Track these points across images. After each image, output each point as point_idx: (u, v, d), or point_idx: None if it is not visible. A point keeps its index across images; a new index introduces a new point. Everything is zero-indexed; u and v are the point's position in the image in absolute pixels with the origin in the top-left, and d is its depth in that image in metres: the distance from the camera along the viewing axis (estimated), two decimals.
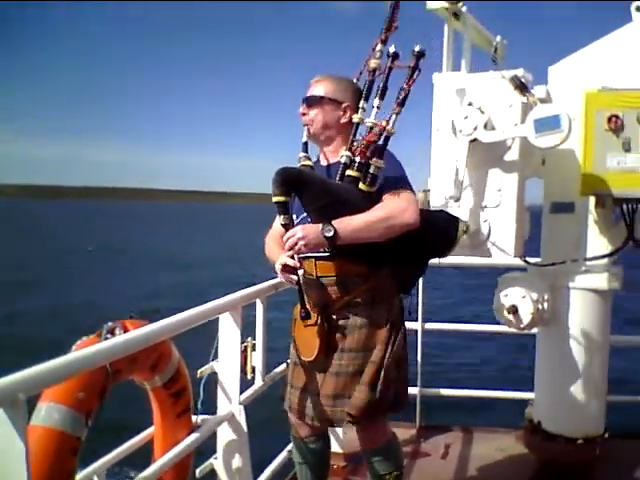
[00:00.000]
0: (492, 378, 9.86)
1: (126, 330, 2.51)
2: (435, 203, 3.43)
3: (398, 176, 2.59)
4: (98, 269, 29.79)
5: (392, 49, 2.64)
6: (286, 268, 2.51)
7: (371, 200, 2.51)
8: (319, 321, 2.59)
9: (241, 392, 2.98)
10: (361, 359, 2.60)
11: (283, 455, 3.55)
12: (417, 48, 2.57)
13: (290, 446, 3.09)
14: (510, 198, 3.34)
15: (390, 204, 2.49)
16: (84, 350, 1.94)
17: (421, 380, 4.54)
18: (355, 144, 2.61)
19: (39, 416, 2.21)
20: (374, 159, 2.51)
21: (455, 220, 2.85)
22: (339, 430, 3.97)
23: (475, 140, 3.25)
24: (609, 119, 3.19)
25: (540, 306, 3.54)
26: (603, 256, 3.51)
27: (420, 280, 4.32)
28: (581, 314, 3.61)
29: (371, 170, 2.51)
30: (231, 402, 2.93)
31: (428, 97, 3.43)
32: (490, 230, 3.38)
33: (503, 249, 3.38)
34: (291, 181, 2.44)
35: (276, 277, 2.73)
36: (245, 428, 2.94)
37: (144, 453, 2.93)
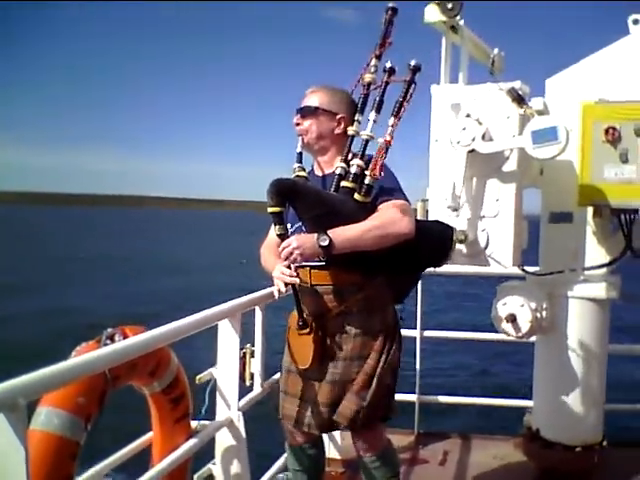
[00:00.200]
0: (490, 386, 9.84)
1: (125, 336, 2.52)
2: (433, 213, 3.45)
3: (393, 186, 2.61)
4: (92, 275, 29.86)
5: (388, 64, 2.68)
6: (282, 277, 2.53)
7: (366, 210, 2.53)
8: (314, 329, 2.61)
9: (240, 398, 2.99)
10: (356, 367, 2.62)
11: (281, 461, 3.56)
12: (413, 62, 2.62)
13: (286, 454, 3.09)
14: (508, 208, 3.35)
15: (385, 214, 2.52)
16: (84, 356, 1.96)
17: (419, 387, 4.55)
18: (351, 156, 2.64)
19: (38, 420, 2.22)
20: (370, 170, 2.54)
21: (450, 230, 2.87)
22: (337, 436, 3.99)
23: (473, 151, 3.27)
24: (606, 131, 3.21)
25: (538, 315, 3.54)
26: (601, 265, 3.52)
27: (419, 288, 4.36)
28: (579, 323, 3.62)
29: (367, 181, 2.53)
30: (230, 408, 2.94)
31: (425, 108, 3.46)
32: (488, 240, 3.39)
33: (501, 258, 3.40)
34: (285, 192, 2.46)
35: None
36: (244, 434, 2.95)
37: (142, 458, 2.95)
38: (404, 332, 4.28)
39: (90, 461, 2.58)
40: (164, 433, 2.95)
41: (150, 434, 3.01)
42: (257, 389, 3.14)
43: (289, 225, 2.60)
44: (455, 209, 3.34)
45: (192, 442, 2.74)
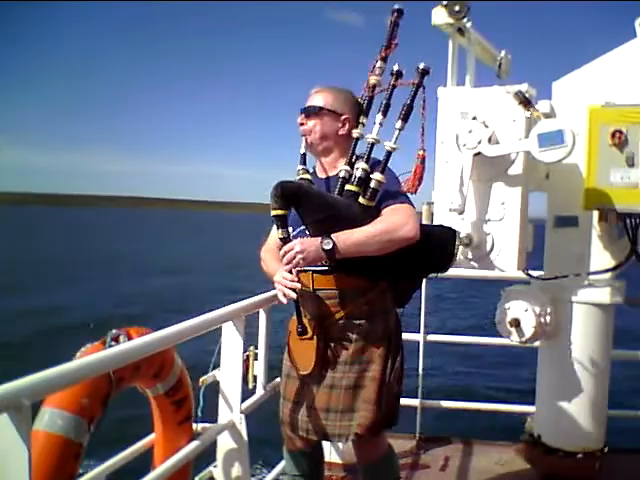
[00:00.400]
0: (493, 391, 9.84)
1: (130, 338, 2.51)
2: (439, 216, 3.45)
3: (397, 190, 2.58)
4: (88, 275, 29.99)
5: (396, 67, 2.65)
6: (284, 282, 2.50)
7: (370, 214, 2.50)
8: (316, 334, 2.58)
9: (242, 401, 2.97)
10: (356, 372, 2.59)
11: (282, 464, 3.55)
12: (422, 65, 2.58)
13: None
14: (514, 211, 3.35)
15: (390, 218, 2.48)
16: (88, 357, 1.94)
17: (422, 391, 4.54)
18: (355, 159, 2.62)
19: (42, 421, 2.21)
20: (375, 174, 2.51)
21: (454, 233, 2.82)
22: None
23: (479, 154, 3.27)
24: (613, 134, 3.21)
25: (542, 319, 3.54)
26: (606, 270, 3.52)
27: (423, 292, 4.35)
28: (583, 328, 3.62)
29: (372, 185, 2.50)
30: (232, 411, 2.92)
31: (431, 110, 3.46)
32: (493, 243, 3.39)
33: (506, 263, 3.39)
34: (290, 195, 2.43)
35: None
36: (245, 437, 2.93)
37: (144, 460, 2.93)
38: (407, 336, 4.29)
39: (92, 462, 2.57)
40: (166, 435, 2.94)
41: (152, 436, 3.00)
42: (260, 392, 3.12)
43: (291, 228, 2.56)
44: (460, 212, 3.34)
45: (194, 445, 2.72)
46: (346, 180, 2.58)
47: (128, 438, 2.94)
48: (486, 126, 3.26)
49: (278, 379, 3.14)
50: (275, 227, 2.63)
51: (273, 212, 2.44)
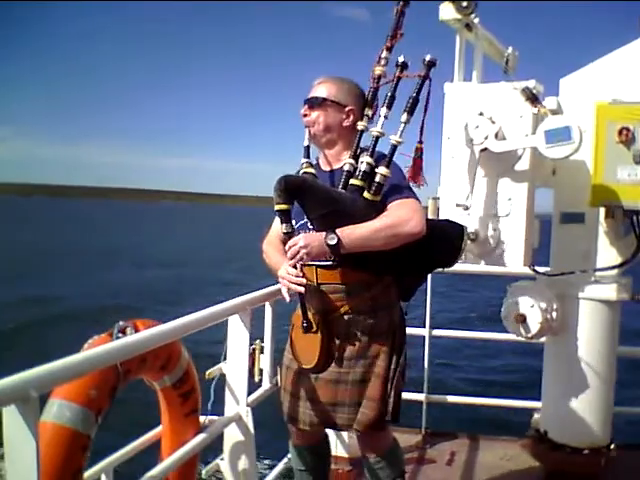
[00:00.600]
0: (499, 386, 9.83)
1: (137, 330, 2.52)
2: (445, 211, 3.45)
3: (403, 185, 2.55)
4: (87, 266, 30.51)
5: (401, 59, 2.61)
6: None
7: (376, 209, 2.47)
8: (320, 329, 2.55)
9: (249, 394, 2.98)
10: (362, 367, 2.58)
11: (289, 457, 3.57)
12: (428, 57, 2.54)
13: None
14: (520, 207, 3.35)
15: (395, 213, 2.45)
16: (96, 349, 1.95)
17: (428, 386, 4.55)
18: (360, 152, 2.59)
19: (50, 413, 2.22)
20: (380, 168, 2.48)
21: (460, 228, 2.78)
22: (344, 434, 3.98)
23: (486, 149, 3.27)
24: (620, 131, 3.20)
25: (549, 315, 3.54)
26: (612, 267, 3.51)
27: (428, 287, 4.36)
28: (589, 324, 3.62)
29: (377, 179, 2.47)
30: (238, 404, 2.93)
31: (437, 105, 3.45)
32: (499, 239, 3.39)
33: (512, 258, 3.39)
34: (294, 189, 2.41)
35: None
36: (252, 430, 2.94)
37: (151, 452, 2.95)
38: (413, 331, 4.30)
39: (100, 454, 2.58)
40: (173, 427, 2.95)
41: (159, 428, 3.01)
42: (266, 385, 3.13)
43: (294, 221, 2.54)
44: (466, 208, 3.34)
45: (201, 437, 2.74)
46: (350, 174, 2.55)
47: (135, 430, 2.96)
48: (493, 122, 3.25)
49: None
50: (278, 220, 2.61)
51: (277, 207, 2.42)
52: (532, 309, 3.53)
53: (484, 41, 3.58)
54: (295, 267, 2.46)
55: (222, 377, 3.00)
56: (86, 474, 2.42)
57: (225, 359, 2.98)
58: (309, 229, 2.55)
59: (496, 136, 3.25)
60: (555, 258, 3.70)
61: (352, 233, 2.38)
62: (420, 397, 4.52)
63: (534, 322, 3.54)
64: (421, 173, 2.66)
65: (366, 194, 2.48)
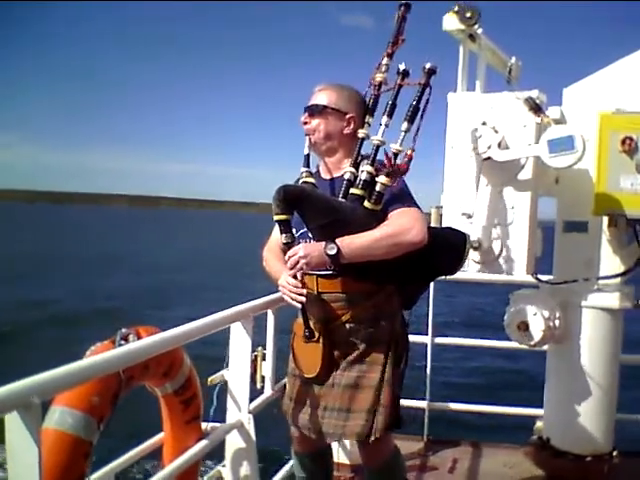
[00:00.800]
0: (501, 393, 9.81)
1: (139, 337, 2.53)
2: (448, 220, 3.45)
3: (404, 193, 2.51)
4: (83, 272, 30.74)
5: (402, 66, 2.58)
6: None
7: (376, 218, 2.44)
8: (321, 338, 2.53)
9: (250, 401, 2.98)
10: (356, 372, 2.55)
11: (291, 464, 3.57)
12: (428, 65, 2.51)
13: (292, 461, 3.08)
14: (523, 216, 3.35)
15: (396, 222, 2.42)
16: (98, 356, 1.96)
17: (430, 394, 4.54)
18: (361, 160, 2.56)
19: (52, 419, 2.23)
20: (381, 177, 2.45)
21: (463, 237, 2.75)
22: (346, 441, 3.98)
23: (489, 159, 3.28)
24: (623, 141, 3.21)
25: (551, 323, 3.55)
26: (615, 275, 3.52)
27: (430, 294, 4.36)
28: (592, 332, 3.62)
29: (377, 188, 2.44)
30: (240, 410, 2.93)
31: (440, 115, 3.45)
32: (502, 247, 3.40)
33: (515, 267, 3.39)
34: (293, 199, 2.38)
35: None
36: (254, 437, 2.94)
37: (153, 458, 2.96)
38: (415, 338, 4.30)
39: (102, 460, 2.59)
40: (175, 434, 2.95)
41: (161, 435, 3.02)
42: (268, 392, 3.13)
43: (294, 230, 2.50)
44: (469, 216, 3.34)
45: (202, 444, 2.73)
46: (351, 182, 2.52)
47: (137, 437, 2.97)
48: (496, 131, 3.26)
49: (285, 380, 3.16)
50: (277, 228, 2.59)
51: (276, 217, 2.40)
52: (535, 317, 3.53)
53: (487, 51, 3.59)
54: (295, 277, 2.44)
55: (224, 384, 3.00)
56: None
57: (227, 366, 2.99)
58: (309, 238, 2.53)
59: (499, 145, 3.26)
60: (558, 266, 3.71)
61: (352, 243, 2.36)
62: (422, 404, 4.52)
63: (537, 330, 3.54)
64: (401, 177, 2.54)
65: (366, 203, 2.45)
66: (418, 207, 2.52)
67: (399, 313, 2.70)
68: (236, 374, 2.96)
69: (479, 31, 3.41)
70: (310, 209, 2.42)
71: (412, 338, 4.26)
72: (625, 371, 3.86)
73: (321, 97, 2.64)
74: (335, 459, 3.58)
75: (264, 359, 3.09)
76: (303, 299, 2.45)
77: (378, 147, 2.55)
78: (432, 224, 3.49)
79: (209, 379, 2.99)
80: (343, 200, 2.50)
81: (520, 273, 3.42)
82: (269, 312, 3.11)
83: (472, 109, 3.39)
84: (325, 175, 2.70)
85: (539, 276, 3.67)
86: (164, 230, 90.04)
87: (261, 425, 2.95)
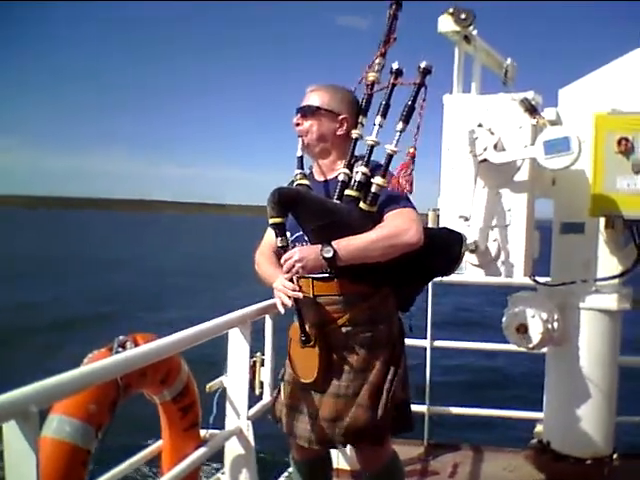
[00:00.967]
0: (501, 397, 9.80)
1: (137, 344, 2.52)
2: (445, 222, 3.45)
3: (399, 195, 2.48)
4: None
5: (395, 65, 2.56)
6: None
7: (372, 220, 2.42)
8: (318, 342, 2.50)
9: (249, 407, 2.97)
10: (361, 379, 2.51)
11: (290, 471, 3.55)
12: (423, 64, 2.49)
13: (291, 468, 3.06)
14: (520, 218, 3.36)
15: (392, 223, 2.40)
16: (96, 363, 1.95)
17: (429, 397, 4.53)
18: (354, 161, 2.54)
19: (50, 428, 2.22)
20: (376, 178, 2.43)
21: (459, 237, 2.74)
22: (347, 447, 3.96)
23: (485, 161, 3.28)
24: (619, 142, 3.21)
25: (550, 326, 3.53)
26: (613, 277, 3.51)
27: (429, 297, 4.35)
28: (591, 334, 3.61)
29: (373, 189, 2.42)
30: (239, 417, 2.92)
31: (436, 117, 3.45)
32: (500, 249, 3.40)
33: (513, 268, 3.39)
34: (288, 202, 2.37)
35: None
36: (253, 443, 2.92)
37: (152, 466, 2.95)
38: (414, 342, 4.29)
39: (101, 469, 2.58)
40: (174, 442, 2.94)
41: (160, 442, 3.01)
42: (267, 398, 3.12)
43: (289, 233, 2.47)
44: (466, 219, 3.34)
45: (201, 451, 2.72)
46: (346, 184, 2.50)
47: (136, 444, 2.96)
48: (492, 133, 3.27)
49: (281, 385, 3.14)
50: (270, 231, 2.59)
51: (271, 220, 2.38)
52: (533, 319, 3.52)
53: (482, 53, 3.60)
54: (291, 280, 2.42)
55: (223, 390, 2.99)
56: None
57: (225, 372, 2.97)
58: (305, 241, 2.51)
59: (495, 147, 3.26)
60: (555, 268, 3.70)
61: (348, 245, 2.34)
62: (422, 408, 4.50)
63: (535, 332, 3.53)
64: (410, 178, 2.52)
65: (362, 205, 2.44)
66: (414, 208, 2.50)
67: (396, 315, 2.67)
68: (235, 380, 2.95)
69: (474, 32, 3.41)
70: (305, 211, 2.41)
71: (411, 342, 4.26)
72: (624, 373, 3.86)
73: (313, 98, 2.62)
74: (335, 465, 3.56)
75: (263, 365, 3.08)
76: (300, 295, 2.42)
77: (372, 148, 2.53)
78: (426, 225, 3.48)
79: (208, 386, 2.98)
80: (338, 202, 2.48)
81: (518, 275, 3.42)
82: (267, 317, 3.10)
83: (468, 111, 3.40)
84: (319, 177, 2.68)
85: (537, 278, 3.66)
86: (166, 234, 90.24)
87: (260, 431, 2.94)
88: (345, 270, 2.40)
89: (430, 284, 4.31)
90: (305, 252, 2.37)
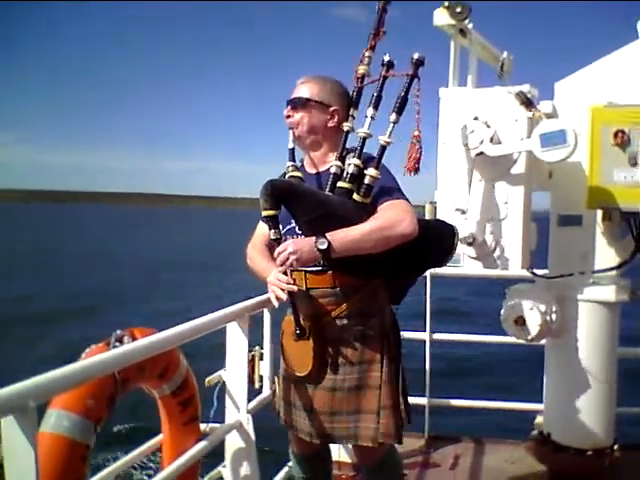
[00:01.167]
0: (501, 389, 9.81)
1: (134, 338, 2.53)
2: (442, 215, 3.46)
3: (393, 186, 2.48)
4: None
5: (387, 57, 2.55)
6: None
7: (366, 211, 2.41)
8: (311, 335, 2.49)
9: (249, 401, 2.98)
10: (357, 373, 2.51)
11: (290, 465, 3.57)
12: (416, 55, 2.48)
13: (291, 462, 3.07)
14: (517, 211, 3.36)
15: (386, 214, 2.39)
16: (93, 358, 1.96)
17: (430, 390, 4.54)
18: (346, 153, 2.54)
19: (49, 423, 2.23)
20: (370, 169, 2.42)
21: (451, 228, 2.73)
22: None
23: (482, 154, 3.28)
24: (615, 134, 3.21)
25: (548, 318, 3.54)
26: (611, 268, 3.52)
27: (427, 290, 4.36)
28: (589, 326, 3.61)
29: (366, 181, 2.41)
30: (239, 411, 2.92)
31: (433, 110, 3.45)
32: (497, 242, 3.40)
33: (510, 261, 3.40)
34: (281, 194, 2.36)
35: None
36: (253, 437, 2.93)
37: (153, 461, 2.97)
38: (413, 335, 4.30)
39: (101, 463, 2.60)
40: (173, 436, 2.95)
41: (160, 436, 3.02)
42: (266, 392, 3.13)
43: (281, 226, 2.46)
44: (463, 212, 3.35)
45: (201, 445, 2.72)
46: (337, 176, 2.49)
47: (136, 439, 2.97)
48: (488, 126, 3.27)
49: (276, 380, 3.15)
50: (262, 223, 2.60)
51: (264, 212, 2.37)
52: (531, 312, 3.53)
53: (478, 46, 3.59)
54: (285, 273, 2.41)
55: (222, 384, 3.00)
56: None
57: (224, 366, 2.98)
58: (297, 234, 2.51)
59: (491, 140, 3.26)
60: (553, 260, 3.71)
61: (343, 237, 2.32)
62: (422, 401, 4.51)
63: (533, 325, 3.54)
64: (419, 162, 2.54)
65: (355, 196, 2.43)
66: (407, 199, 2.48)
67: (388, 307, 2.66)
68: (234, 374, 2.95)
69: (470, 26, 3.41)
70: (299, 203, 2.40)
71: (410, 335, 4.27)
72: (623, 365, 3.86)
73: (303, 90, 2.61)
74: (336, 458, 3.58)
75: (261, 359, 3.08)
76: (295, 288, 2.42)
77: (365, 140, 2.52)
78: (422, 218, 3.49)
79: (207, 380, 2.98)
80: (331, 194, 2.48)
81: (515, 268, 3.43)
82: (265, 311, 3.10)
83: (464, 104, 3.40)
84: (310, 169, 2.67)
85: (535, 270, 3.67)
86: (163, 227, 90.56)
87: (261, 425, 2.95)
88: (338, 262, 2.40)
89: (428, 277, 4.33)
90: (299, 244, 2.35)
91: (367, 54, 2.62)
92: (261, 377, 3.09)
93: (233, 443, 2.95)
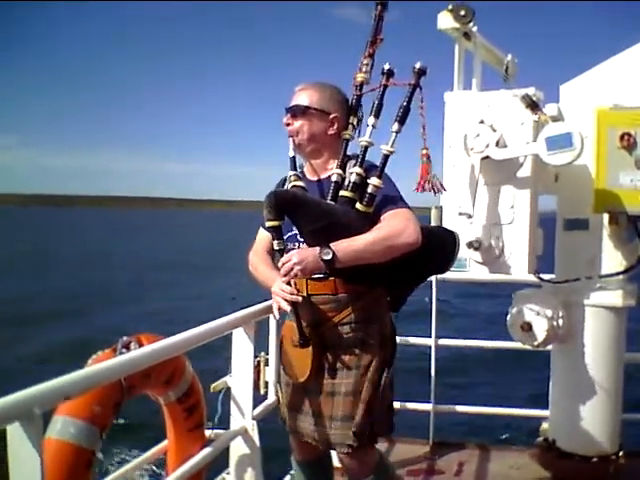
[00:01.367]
0: (506, 395, 9.78)
1: (141, 345, 2.52)
2: (448, 220, 3.44)
3: (395, 195, 2.47)
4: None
5: (387, 66, 2.53)
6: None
7: (369, 220, 2.40)
8: (312, 341, 2.48)
9: (254, 407, 2.97)
10: (354, 378, 2.49)
11: (292, 473, 3.55)
12: (418, 65, 2.46)
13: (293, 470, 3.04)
14: (523, 215, 3.34)
15: (390, 224, 2.38)
16: (100, 364, 1.95)
17: (435, 396, 4.52)
18: (347, 161, 2.53)
19: (55, 429, 2.23)
20: (372, 178, 2.42)
21: (452, 235, 2.73)
22: None
23: (487, 157, 3.27)
24: (621, 137, 3.20)
25: (554, 323, 3.52)
26: (618, 273, 3.49)
27: (433, 296, 4.34)
28: (595, 331, 3.59)
29: (369, 190, 2.40)
30: (244, 417, 2.91)
31: (438, 114, 3.44)
32: (503, 247, 3.38)
33: (516, 266, 3.38)
34: (285, 205, 2.35)
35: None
36: (258, 443, 2.92)
37: (158, 467, 2.95)
38: (419, 340, 4.28)
39: (106, 469, 2.59)
40: (179, 442, 2.94)
41: (165, 442, 3.01)
42: (271, 398, 3.12)
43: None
44: (469, 216, 3.33)
45: (206, 451, 2.72)
46: (339, 185, 2.48)
47: (141, 445, 2.96)
48: (494, 130, 3.25)
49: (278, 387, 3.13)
50: (263, 230, 2.60)
51: (268, 223, 2.37)
52: (538, 317, 3.51)
53: (483, 49, 3.58)
54: (289, 283, 2.40)
55: (227, 390, 2.98)
56: None
57: (230, 372, 2.97)
58: (299, 241, 2.50)
59: (497, 144, 3.25)
60: (560, 265, 3.69)
61: (347, 247, 2.32)
62: (427, 407, 4.48)
63: (540, 330, 3.51)
64: (429, 178, 2.54)
65: (358, 205, 2.42)
66: (410, 208, 2.47)
67: (387, 315, 2.65)
68: (239, 380, 2.94)
69: (474, 29, 3.40)
70: (302, 214, 2.39)
71: (416, 340, 4.25)
72: (629, 370, 3.84)
73: (302, 97, 2.59)
74: (338, 464, 3.55)
75: (267, 365, 3.07)
76: (299, 299, 2.41)
77: (366, 148, 2.51)
78: (433, 224, 3.48)
79: (212, 386, 2.97)
80: (334, 203, 2.46)
81: (522, 272, 3.41)
82: (271, 317, 3.09)
83: (469, 108, 3.39)
84: (311, 176, 2.66)
85: (541, 275, 3.65)
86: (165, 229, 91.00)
87: (266, 431, 2.94)
88: (340, 270, 2.38)
89: (434, 282, 4.31)
90: (304, 254, 2.35)
91: (365, 62, 2.60)
92: (266, 383, 3.09)
93: (238, 449, 2.94)
